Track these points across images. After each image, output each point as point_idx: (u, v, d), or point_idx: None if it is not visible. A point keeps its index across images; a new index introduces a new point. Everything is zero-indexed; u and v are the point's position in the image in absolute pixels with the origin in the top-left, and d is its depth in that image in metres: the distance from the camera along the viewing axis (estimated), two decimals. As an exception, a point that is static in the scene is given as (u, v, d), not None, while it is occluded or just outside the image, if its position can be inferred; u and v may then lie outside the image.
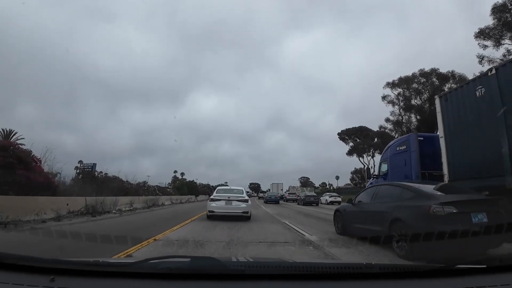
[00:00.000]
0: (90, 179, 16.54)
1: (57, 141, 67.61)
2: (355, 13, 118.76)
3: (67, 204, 10.44)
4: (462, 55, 54.76)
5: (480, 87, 6.98)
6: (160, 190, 25.90)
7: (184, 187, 37.48)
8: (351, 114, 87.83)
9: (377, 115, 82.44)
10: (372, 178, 12.06)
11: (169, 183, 41.42)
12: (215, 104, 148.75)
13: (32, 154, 10.81)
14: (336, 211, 7.82)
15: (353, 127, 43.72)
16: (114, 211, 12.31)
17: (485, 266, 1.48)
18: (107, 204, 12.12)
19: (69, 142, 65.91)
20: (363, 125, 43.11)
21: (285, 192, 49.72)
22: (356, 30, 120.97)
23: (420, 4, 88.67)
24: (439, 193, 4.96)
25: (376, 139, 43.83)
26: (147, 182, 23.87)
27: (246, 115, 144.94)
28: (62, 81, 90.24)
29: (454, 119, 7.75)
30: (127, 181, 19.18)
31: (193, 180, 48.48)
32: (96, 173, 23.69)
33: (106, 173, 19.11)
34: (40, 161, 11.18)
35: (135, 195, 17.45)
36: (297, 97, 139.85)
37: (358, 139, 45.04)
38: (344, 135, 44.38)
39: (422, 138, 9.50)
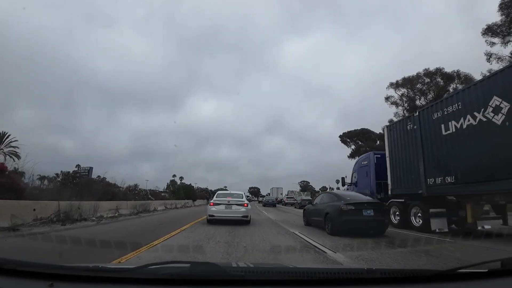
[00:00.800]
0: (70, 181, 14.68)
1: (57, 146, 66.40)
2: (353, 16, 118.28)
3: (34, 210, 8.63)
4: (466, 55, 53.56)
5: (410, 123, 9.67)
6: (154, 195, 23.92)
7: (180, 191, 35.38)
8: (351, 117, 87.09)
9: (379, 117, 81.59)
10: (346, 186, 14.68)
11: (164, 187, 39.09)
12: (214, 108, 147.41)
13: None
14: (304, 210, 11.23)
15: (355, 130, 42.21)
16: (93, 218, 10.54)
17: (486, 270, 1.44)
18: (86, 210, 10.31)
19: (69, 147, 66.77)
20: (365, 127, 41.55)
21: (284, 196, 48.28)
22: (354, 33, 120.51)
23: (418, 7, 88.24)
24: (348, 197, 8.24)
25: (378, 142, 42.29)
26: (138, 186, 21.95)
27: (245, 119, 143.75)
28: (62, 85, 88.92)
29: (394, 144, 10.46)
30: (114, 184, 17.33)
31: (190, 184, 45.82)
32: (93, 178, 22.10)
33: (101, 176, 17.44)
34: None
35: (123, 199, 15.60)
36: (296, 101, 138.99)
37: (360, 141, 43.42)
38: (346, 138, 42.81)
39: (379, 156, 11.88)
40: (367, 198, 8.66)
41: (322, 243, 6.18)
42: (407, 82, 35.35)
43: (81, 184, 14.53)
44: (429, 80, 35.04)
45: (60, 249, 4.52)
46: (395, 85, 36.28)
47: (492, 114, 6.60)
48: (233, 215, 9.66)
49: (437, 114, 8.34)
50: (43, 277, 1.27)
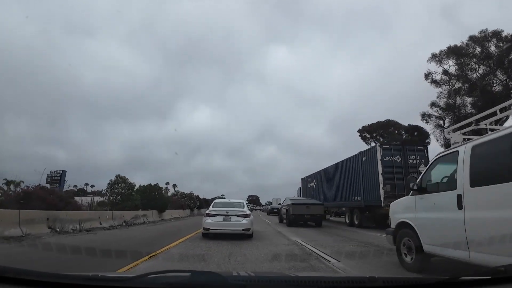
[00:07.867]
0: None
1: (48, 157, 62.32)
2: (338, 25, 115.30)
3: None
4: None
5: (304, 180, 23.12)
6: (20, 198, 9.23)
7: (135, 196, 18.88)
8: (345, 122, 78.61)
9: (405, 108, 71.74)
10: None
11: (104, 189, 20.43)
12: (208, 118, 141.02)
13: None
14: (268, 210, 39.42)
15: (378, 122, 32.36)
16: None
17: (489, 277, 1.41)
18: None
19: (61, 158, 65.12)
20: (391, 118, 31.37)
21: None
22: (341, 39, 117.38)
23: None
24: (271, 206, 38.66)
25: (405, 136, 31.38)
26: None
27: (240, 129, 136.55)
28: (54, 97, 77.51)
29: (302, 185, 23.84)
30: None
31: (157, 184, 22.60)
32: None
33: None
34: None
35: None
36: (288, 110, 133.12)
37: (381, 137, 32.67)
38: (366, 133, 32.19)
39: (300, 187, 25.20)
40: (276, 206, 30.18)
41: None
42: (455, 51, 25.44)
43: None
44: (480, 50, 25.35)
45: None
46: (438, 58, 26.24)
47: (312, 184, 20.56)
48: (232, 228, 8.35)
49: (307, 180, 21.68)
50: (43, 286, 1.26)
